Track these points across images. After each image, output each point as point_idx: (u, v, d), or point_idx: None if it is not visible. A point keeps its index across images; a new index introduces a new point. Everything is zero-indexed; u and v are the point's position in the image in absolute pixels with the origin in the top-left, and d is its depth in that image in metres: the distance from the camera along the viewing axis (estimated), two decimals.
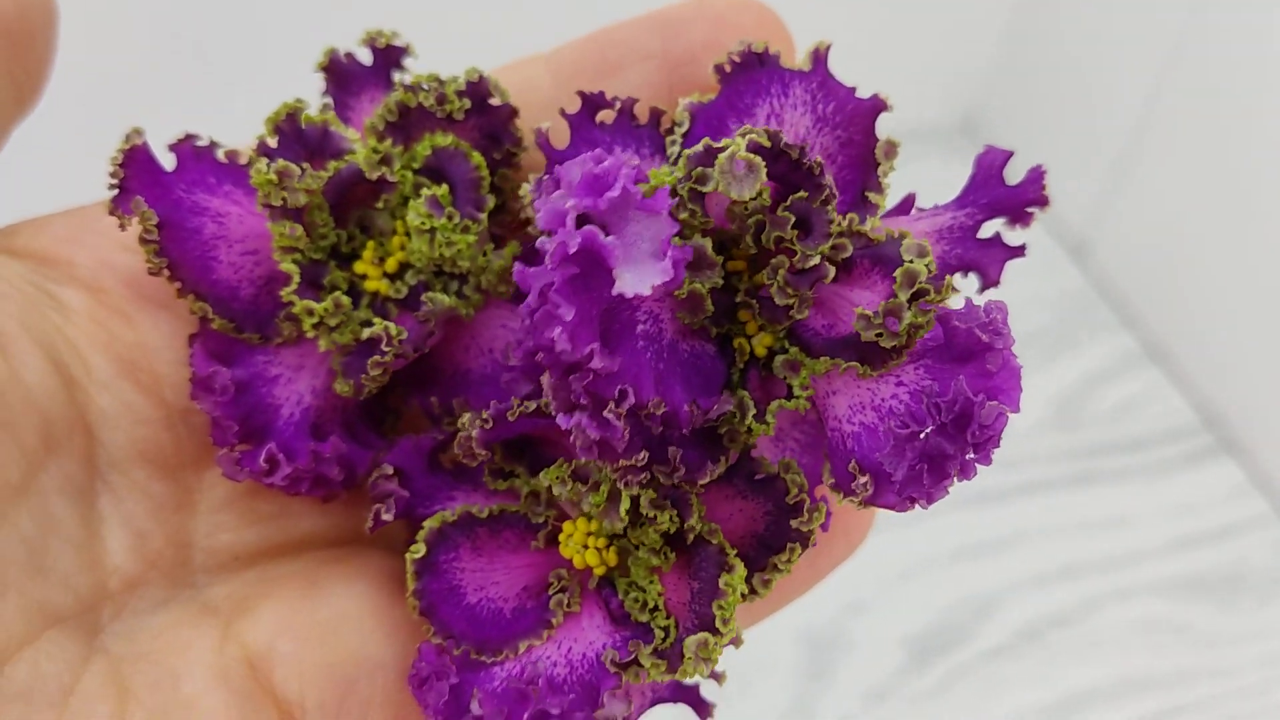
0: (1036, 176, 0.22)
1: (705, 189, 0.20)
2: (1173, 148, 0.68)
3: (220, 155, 0.23)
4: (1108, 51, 0.72)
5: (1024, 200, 0.22)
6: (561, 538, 0.23)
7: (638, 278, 0.18)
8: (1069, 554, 0.59)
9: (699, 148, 0.20)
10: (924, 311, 0.19)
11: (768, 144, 0.20)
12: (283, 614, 0.23)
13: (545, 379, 0.20)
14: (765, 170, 0.20)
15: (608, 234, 0.18)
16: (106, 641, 0.21)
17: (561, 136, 0.23)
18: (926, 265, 0.20)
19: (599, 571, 0.23)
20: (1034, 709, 0.53)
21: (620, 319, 0.20)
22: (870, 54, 0.78)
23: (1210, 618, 0.57)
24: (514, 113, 0.25)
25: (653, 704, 0.23)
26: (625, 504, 0.22)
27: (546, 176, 0.21)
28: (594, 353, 0.18)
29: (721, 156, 0.19)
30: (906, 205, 0.24)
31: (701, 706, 0.23)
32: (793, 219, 0.20)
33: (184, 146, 0.23)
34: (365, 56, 0.25)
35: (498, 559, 0.23)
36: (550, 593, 0.23)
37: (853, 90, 0.22)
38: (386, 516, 0.23)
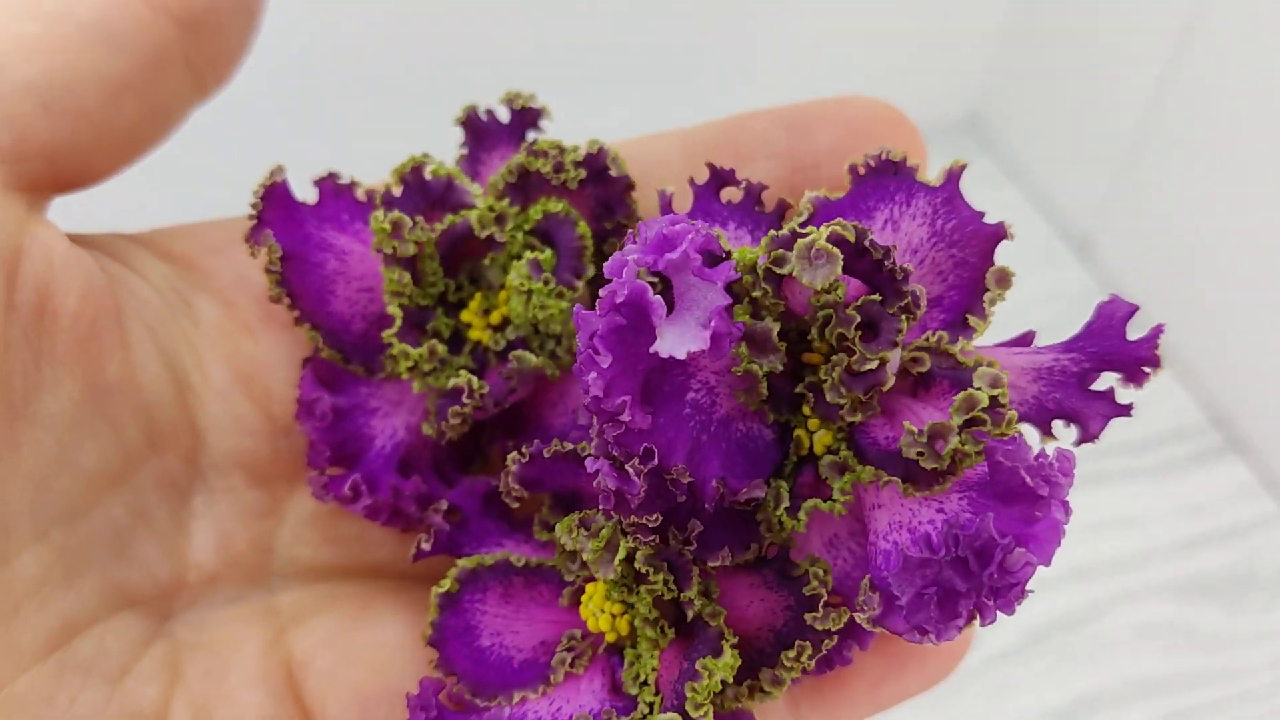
0: (1154, 335, 0.21)
1: (781, 271, 0.20)
2: (1178, 145, 0.68)
3: (360, 194, 0.25)
4: (1113, 49, 0.71)
5: (1139, 358, 0.21)
6: (583, 599, 0.23)
7: (677, 340, 0.18)
8: (1076, 556, 0.59)
9: (784, 231, 0.20)
10: (974, 441, 0.19)
11: (851, 239, 0.19)
12: (330, 631, 0.23)
13: (593, 421, 0.20)
14: (842, 263, 0.19)
15: (662, 293, 0.18)
16: (174, 627, 0.23)
17: (684, 203, 0.24)
18: (994, 396, 0.19)
19: (610, 638, 0.23)
20: (1042, 712, 0.52)
21: (671, 381, 0.20)
22: (876, 51, 0.78)
23: (1219, 619, 0.56)
24: (630, 185, 0.25)
25: None
26: (621, 554, 0.21)
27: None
28: (627, 405, 0.18)
29: (801, 242, 0.19)
30: (1022, 341, 0.23)
31: None
32: (859, 319, 0.20)
33: (326, 183, 0.25)
34: (503, 115, 0.26)
35: (524, 610, 0.23)
36: (558, 650, 0.23)
37: (979, 214, 0.22)
38: (425, 546, 0.23)
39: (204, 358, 0.24)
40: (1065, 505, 0.18)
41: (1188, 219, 0.67)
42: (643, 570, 0.21)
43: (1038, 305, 0.72)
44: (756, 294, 0.20)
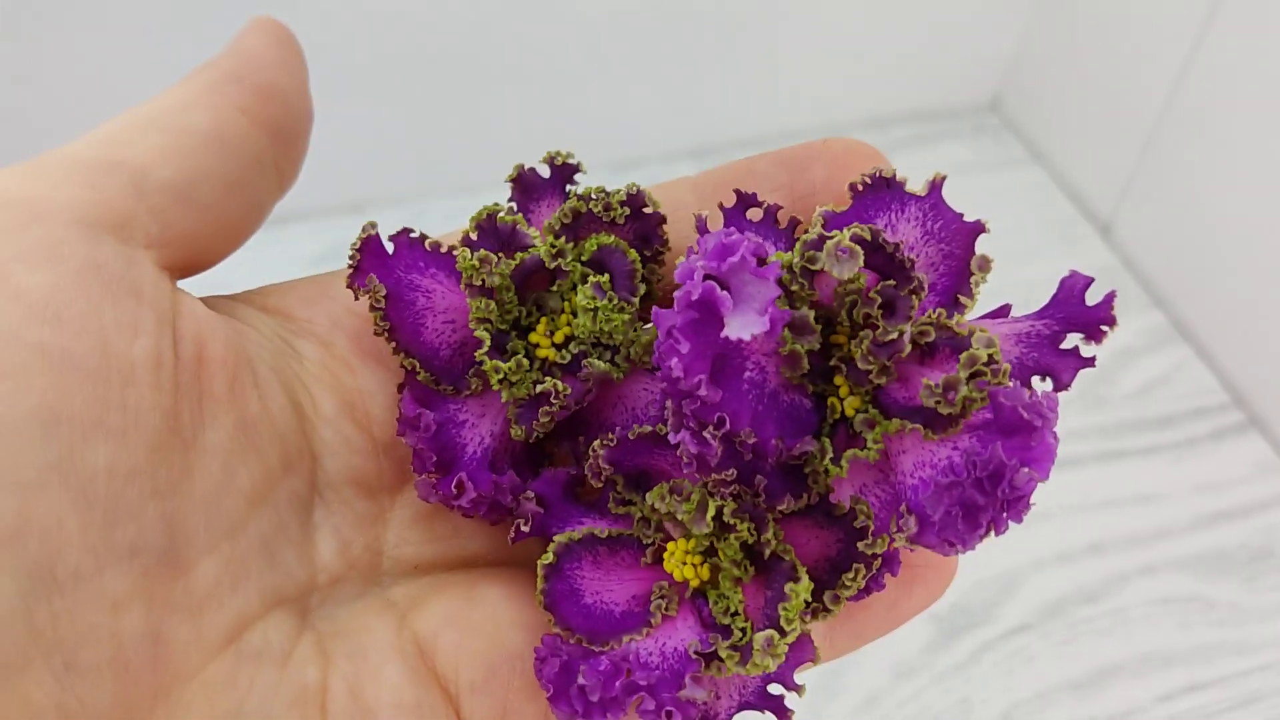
0: (1109, 300, 0.26)
1: (814, 267, 0.24)
2: (1200, 128, 0.68)
3: (427, 245, 0.29)
4: (1136, 33, 0.71)
5: (1098, 319, 0.25)
6: (665, 555, 0.27)
7: (742, 325, 0.23)
8: (1095, 531, 0.59)
9: (814, 235, 0.25)
10: (980, 388, 0.23)
11: (868, 238, 0.24)
12: (447, 612, 0.27)
13: (668, 403, 0.24)
14: (863, 258, 0.24)
15: (725, 290, 0.23)
16: (314, 621, 0.26)
17: (716, 224, 0.29)
18: (990, 354, 0.23)
19: (694, 584, 0.27)
20: (1060, 684, 0.53)
21: (732, 364, 0.24)
22: (902, 36, 0.78)
23: (1237, 594, 0.56)
24: (663, 219, 0.30)
25: (740, 708, 0.27)
26: (711, 511, 0.26)
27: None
28: (702, 383, 0.23)
29: (829, 243, 0.24)
30: (1000, 312, 0.28)
31: (783, 713, 0.27)
32: (879, 300, 0.24)
33: (401, 237, 0.29)
34: (544, 171, 0.30)
35: (613, 573, 0.27)
36: (653, 599, 0.27)
37: (960, 215, 0.27)
38: (525, 529, 0.27)
39: (313, 391, 0.28)
40: (1054, 434, 0.23)
41: (1209, 200, 0.67)
42: (729, 522, 0.25)
43: None
44: (794, 288, 0.25)
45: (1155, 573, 0.57)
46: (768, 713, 0.27)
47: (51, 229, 0.23)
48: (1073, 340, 0.26)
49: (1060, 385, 0.26)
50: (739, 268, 0.23)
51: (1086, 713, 0.52)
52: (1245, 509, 0.60)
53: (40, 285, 0.22)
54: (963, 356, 0.23)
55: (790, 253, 0.25)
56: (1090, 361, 0.25)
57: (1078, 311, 0.26)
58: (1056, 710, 0.52)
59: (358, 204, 0.75)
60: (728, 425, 0.23)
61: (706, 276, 0.23)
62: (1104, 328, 0.25)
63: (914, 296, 0.24)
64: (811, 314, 0.25)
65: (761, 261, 0.23)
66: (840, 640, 0.30)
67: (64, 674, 0.21)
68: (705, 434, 0.24)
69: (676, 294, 0.23)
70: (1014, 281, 0.71)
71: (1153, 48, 0.69)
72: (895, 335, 0.24)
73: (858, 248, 0.24)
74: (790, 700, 0.27)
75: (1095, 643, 0.54)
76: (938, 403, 0.23)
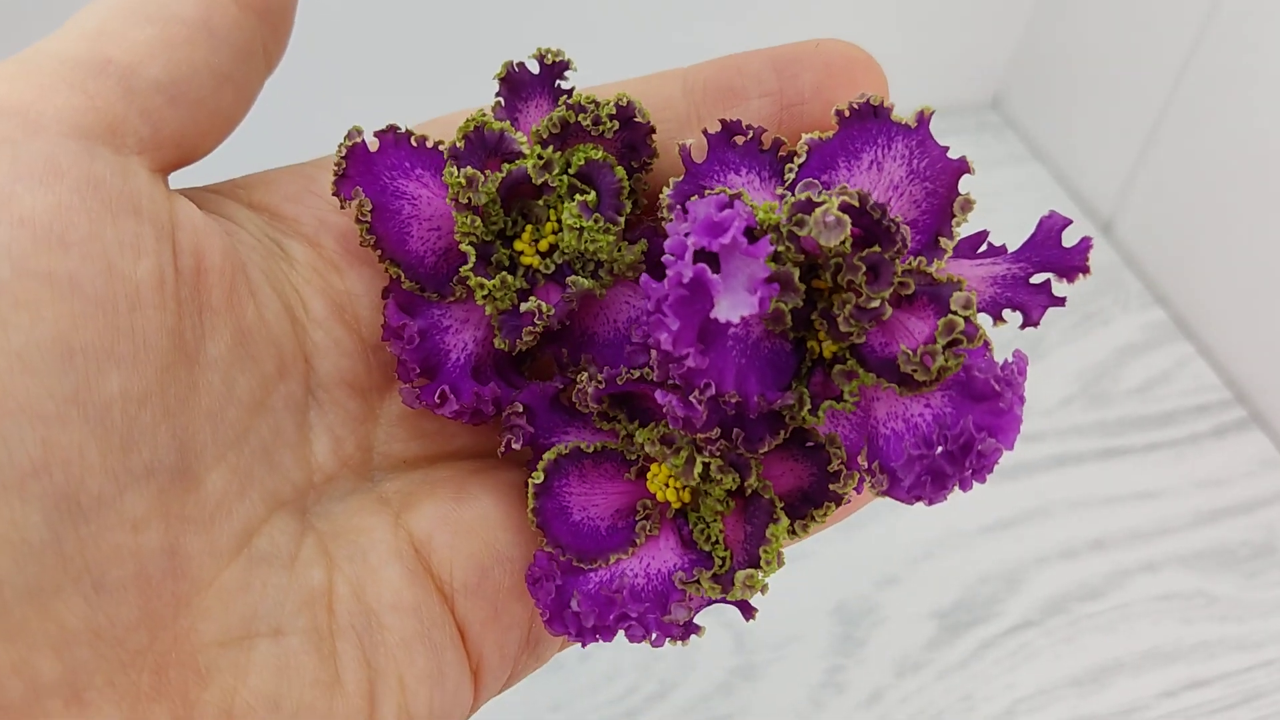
0: (1085, 246, 0.26)
1: (801, 232, 0.24)
2: (1199, 127, 0.68)
3: (413, 142, 0.29)
4: (1136, 33, 0.71)
5: (1072, 264, 0.26)
6: (649, 475, 0.28)
7: (732, 307, 0.23)
8: (1097, 528, 0.59)
9: (802, 197, 0.24)
10: (955, 357, 0.24)
11: (856, 205, 0.24)
12: (439, 512, 0.28)
13: (654, 357, 0.25)
14: (850, 225, 0.24)
15: (716, 269, 0.23)
16: (313, 521, 0.27)
17: (700, 152, 0.28)
18: (965, 317, 0.24)
19: (675, 506, 0.28)
20: (1062, 680, 0.53)
21: (717, 325, 0.24)
22: (905, 34, 0.78)
23: (1238, 590, 0.57)
24: (652, 130, 0.29)
25: (707, 605, 0.28)
26: (699, 468, 0.27)
27: (678, 205, 0.27)
28: (690, 354, 0.23)
29: (817, 210, 0.24)
30: (978, 240, 0.28)
31: (748, 610, 0.28)
32: (864, 267, 0.25)
33: (386, 135, 0.28)
34: (534, 67, 0.30)
35: (598, 486, 0.29)
36: (636, 518, 0.28)
37: (945, 150, 0.26)
38: (515, 445, 0.28)
39: (304, 293, 0.28)
40: (1021, 398, 0.24)
41: (1209, 197, 0.67)
42: (716, 476, 0.27)
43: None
44: (780, 249, 0.25)
45: (1157, 569, 0.57)
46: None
47: (48, 143, 0.22)
48: (1044, 277, 0.26)
49: (1029, 321, 0.26)
50: (730, 248, 0.23)
51: (1089, 709, 0.52)
52: (1247, 505, 0.61)
53: (43, 208, 0.22)
54: (940, 323, 0.24)
55: (771, 203, 0.26)
56: (1061, 301, 0.26)
57: (1055, 255, 0.26)
58: (1059, 706, 0.52)
59: None
60: (713, 390, 0.24)
61: (697, 254, 0.23)
62: (1078, 272, 0.26)
63: (895, 261, 0.25)
64: (796, 271, 0.25)
65: (752, 237, 0.24)
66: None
67: (93, 595, 0.22)
68: (691, 398, 0.24)
69: (668, 271, 0.23)
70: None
71: (1153, 46, 0.69)
72: (878, 303, 0.25)
73: (845, 216, 0.24)
74: (755, 598, 0.28)
75: (1098, 639, 0.55)
76: (914, 370, 0.24)
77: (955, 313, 0.24)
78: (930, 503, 0.24)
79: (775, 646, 0.53)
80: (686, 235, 0.23)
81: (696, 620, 0.28)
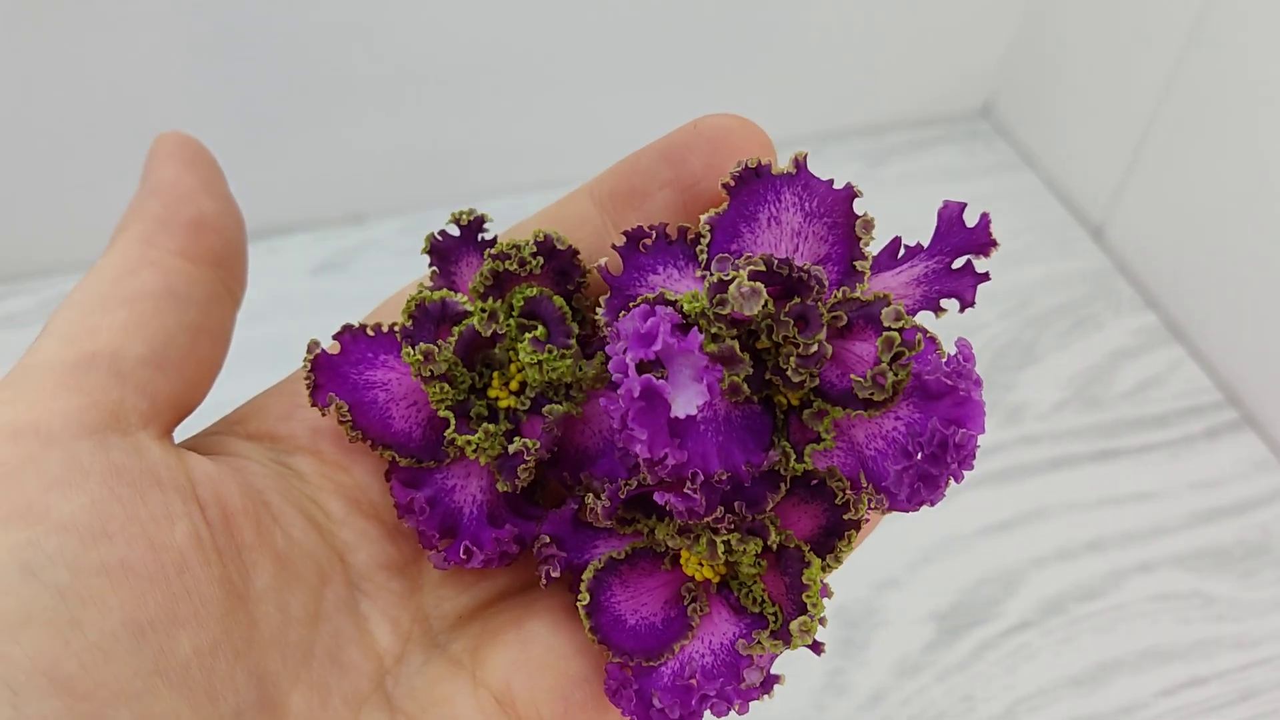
0: (985, 221, 0.27)
1: (724, 311, 0.26)
2: (1188, 134, 0.68)
3: (369, 333, 0.30)
4: (1124, 41, 0.72)
5: (978, 241, 0.27)
6: (682, 560, 0.30)
7: (687, 402, 0.25)
8: (1093, 529, 0.60)
9: (714, 279, 0.26)
10: (902, 367, 0.26)
11: (763, 269, 0.26)
12: (509, 659, 0.29)
13: (642, 464, 0.26)
14: (764, 290, 0.25)
15: (659, 374, 0.25)
16: (399, 704, 0.28)
17: (616, 267, 0.30)
18: (900, 328, 0.26)
19: (716, 580, 0.29)
20: (1061, 680, 0.53)
21: (683, 419, 0.26)
22: (895, 46, 0.78)
23: (1234, 590, 0.57)
24: (575, 253, 0.31)
25: (776, 656, 0.29)
26: (721, 548, 0.28)
27: (611, 322, 0.28)
28: (668, 453, 0.25)
29: (731, 287, 0.25)
30: (893, 248, 0.29)
31: (818, 648, 0.29)
32: (792, 321, 0.26)
33: (343, 335, 0.30)
34: (454, 231, 0.32)
35: (640, 585, 0.30)
36: (685, 603, 0.29)
37: (829, 183, 0.28)
38: (554, 574, 0.30)
39: (320, 500, 0.30)
40: (976, 383, 0.25)
41: (1199, 202, 0.68)
42: (738, 549, 0.28)
43: (1057, 286, 0.72)
44: (713, 330, 0.26)
45: (1153, 569, 0.58)
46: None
47: (65, 449, 0.25)
48: (964, 259, 0.27)
49: (966, 304, 0.27)
50: (665, 351, 0.25)
51: (1088, 708, 0.52)
52: (1241, 505, 0.61)
53: (79, 508, 0.24)
54: (879, 342, 0.26)
55: (694, 290, 0.27)
56: (986, 276, 0.27)
57: (962, 238, 0.27)
58: (1058, 706, 0.52)
59: (358, 214, 0.75)
60: (701, 476, 0.26)
61: (640, 366, 0.25)
62: (989, 248, 0.27)
63: (819, 304, 0.26)
64: (735, 344, 0.27)
65: (684, 330, 0.26)
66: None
67: None
68: (686, 490, 0.26)
69: (620, 390, 0.24)
70: (1008, 284, 0.71)
71: (1142, 53, 0.70)
72: (815, 346, 0.26)
73: (758, 284, 0.25)
74: (819, 635, 0.30)
75: (1096, 639, 0.55)
76: (871, 393, 0.26)
77: (889, 329, 0.26)
78: (933, 504, 0.26)
79: None
80: (624, 353, 0.25)
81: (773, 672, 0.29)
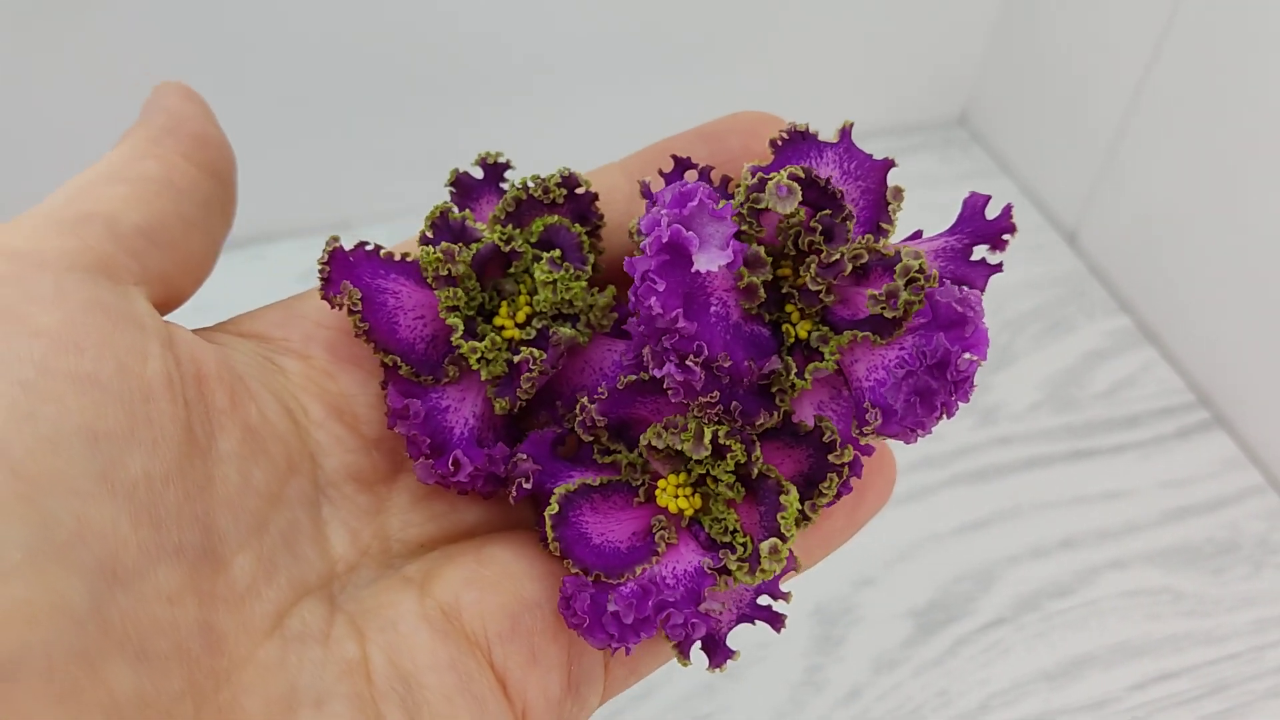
0: (1007, 211, 0.29)
1: (759, 206, 0.27)
2: (1158, 140, 0.70)
3: (383, 254, 0.31)
4: (1095, 48, 0.73)
5: (999, 230, 0.28)
6: (657, 492, 0.29)
7: (709, 259, 0.25)
8: (1067, 527, 0.60)
9: (754, 179, 0.27)
10: (916, 292, 0.26)
11: (802, 175, 0.27)
12: (462, 576, 0.29)
13: (645, 350, 0.27)
14: (801, 193, 0.27)
15: (689, 231, 0.25)
16: (341, 604, 0.28)
17: (659, 182, 0.31)
18: (919, 264, 0.26)
19: (688, 513, 0.29)
20: (1035, 675, 0.54)
21: (698, 300, 0.26)
22: (873, 55, 0.79)
23: (1204, 586, 0.58)
24: (595, 197, 0.32)
25: (739, 620, 0.29)
26: (708, 436, 0.28)
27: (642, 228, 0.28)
28: (678, 317, 0.25)
29: (770, 183, 0.27)
30: (914, 237, 0.30)
31: (776, 620, 0.29)
32: (820, 228, 0.27)
33: (358, 250, 0.30)
34: (478, 172, 0.33)
35: (610, 515, 0.29)
36: (654, 530, 0.29)
37: (870, 155, 0.29)
38: (526, 486, 0.29)
39: (301, 399, 0.30)
40: (982, 315, 0.25)
41: (1170, 208, 0.69)
42: (724, 444, 0.28)
43: (1032, 289, 0.73)
44: (744, 228, 0.27)
45: (1125, 566, 0.58)
46: (760, 622, 0.30)
47: (54, 275, 0.25)
48: (980, 252, 0.29)
49: (977, 289, 0.28)
50: (699, 210, 0.25)
51: (1061, 702, 0.53)
52: (1211, 504, 0.62)
53: (56, 321, 0.24)
54: (897, 268, 0.27)
55: (738, 195, 0.28)
56: (999, 268, 0.28)
57: (982, 225, 0.29)
58: (1032, 700, 0.53)
59: (344, 222, 0.75)
60: (705, 352, 0.26)
61: (671, 223, 0.25)
62: (1005, 237, 0.28)
63: (847, 223, 0.27)
64: (762, 249, 0.28)
65: (717, 203, 0.26)
66: (813, 548, 0.33)
67: (137, 664, 0.22)
68: (688, 363, 0.26)
69: (646, 240, 0.25)
70: (988, 286, 0.72)
71: (1112, 63, 0.71)
72: (837, 256, 0.27)
73: (795, 184, 0.27)
74: (779, 607, 0.30)
75: (1069, 634, 0.55)
76: (883, 308, 0.26)
77: (907, 260, 0.27)
78: (924, 430, 0.26)
79: (756, 647, 0.54)
80: (659, 213, 0.25)
81: (730, 645, 0.29)
